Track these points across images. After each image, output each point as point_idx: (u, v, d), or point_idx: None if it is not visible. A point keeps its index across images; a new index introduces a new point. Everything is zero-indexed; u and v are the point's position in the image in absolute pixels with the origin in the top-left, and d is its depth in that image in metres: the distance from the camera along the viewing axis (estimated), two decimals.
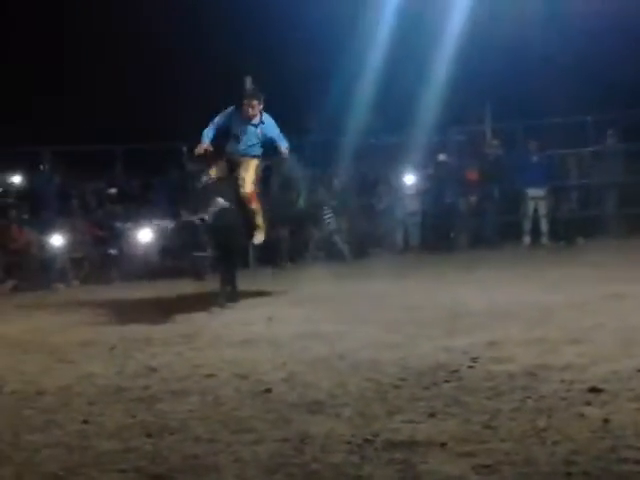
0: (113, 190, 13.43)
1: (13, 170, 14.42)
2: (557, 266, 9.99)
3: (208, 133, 8.03)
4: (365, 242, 13.36)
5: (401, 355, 5.47)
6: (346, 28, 12.91)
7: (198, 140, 8.06)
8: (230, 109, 8.17)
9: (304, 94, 13.30)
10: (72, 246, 11.91)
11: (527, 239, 13.27)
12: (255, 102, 8.03)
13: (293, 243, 13.00)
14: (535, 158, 13.36)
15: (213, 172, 8.11)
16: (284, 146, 8.06)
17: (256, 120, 8.05)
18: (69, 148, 13.07)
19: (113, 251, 12.18)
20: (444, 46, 13.03)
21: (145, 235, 12.40)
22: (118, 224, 12.57)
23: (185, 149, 14.14)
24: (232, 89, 13.65)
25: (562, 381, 4.55)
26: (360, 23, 12.82)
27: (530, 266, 10.25)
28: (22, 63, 16.03)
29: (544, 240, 13.19)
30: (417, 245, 13.57)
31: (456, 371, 4.96)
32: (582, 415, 3.92)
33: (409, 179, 13.53)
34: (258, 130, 8.08)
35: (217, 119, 8.13)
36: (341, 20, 13.11)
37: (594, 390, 4.31)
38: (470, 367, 5.05)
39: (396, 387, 4.69)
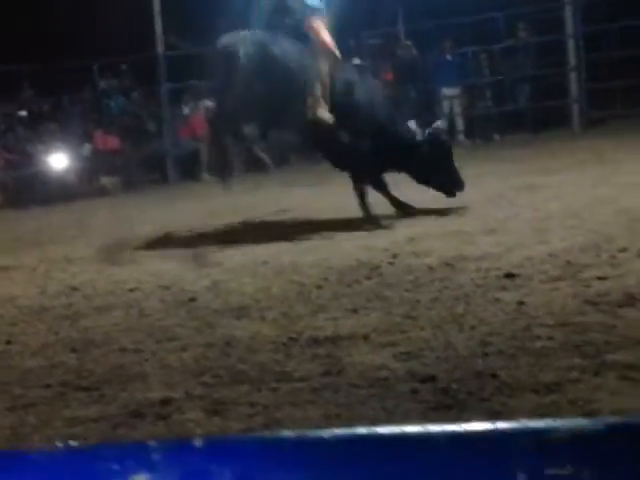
0: (23, 112, 13.03)
1: None
2: (474, 163, 10.12)
3: None
4: (285, 151, 13.32)
5: (323, 257, 5.54)
6: None
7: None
8: None
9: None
10: None
11: None
12: None
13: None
14: (449, 57, 13.39)
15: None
16: None
17: None
18: None
19: (27, 174, 11.90)
20: None
21: (60, 159, 12.12)
22: (30, 147, 12.24)
23: (96, 67, 13.79)
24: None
25: (478, 270, 4.68)
26: None
27: None
28: None
29: (460, 138, 13.34)
30: None
31: (377, 267, 5.05)
32: (497, 300, 4.05)
33: None
34: None
35: None
36: None
37: (509, 276, 4.44)
38: (390, 263, 5.14)
39: (319, 287, 4.75)
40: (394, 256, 5.30)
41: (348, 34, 13.17)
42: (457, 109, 13.39)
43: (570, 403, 2.72)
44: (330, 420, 2.81)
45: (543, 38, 13.45)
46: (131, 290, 5.15)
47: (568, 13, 12.76)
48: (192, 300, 4.74)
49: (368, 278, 4.84)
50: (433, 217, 6.51)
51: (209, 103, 13.34)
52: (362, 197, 6.65)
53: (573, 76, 12.83)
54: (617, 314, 3.58)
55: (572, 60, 12.82)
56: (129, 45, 13.56)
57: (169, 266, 5.84)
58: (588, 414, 2.61)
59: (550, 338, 3.38)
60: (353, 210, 7.33)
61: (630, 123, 12.31)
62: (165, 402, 3.12)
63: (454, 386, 2.98)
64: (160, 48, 13.02)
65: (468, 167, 9.66)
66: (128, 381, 3.42)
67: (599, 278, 4.19)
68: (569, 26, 12.81)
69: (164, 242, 6.87)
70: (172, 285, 5.17)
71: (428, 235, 5.84)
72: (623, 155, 9.01)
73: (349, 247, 5.77)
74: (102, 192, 11.89)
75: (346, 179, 9.93)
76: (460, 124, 13.40)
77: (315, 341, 3.74)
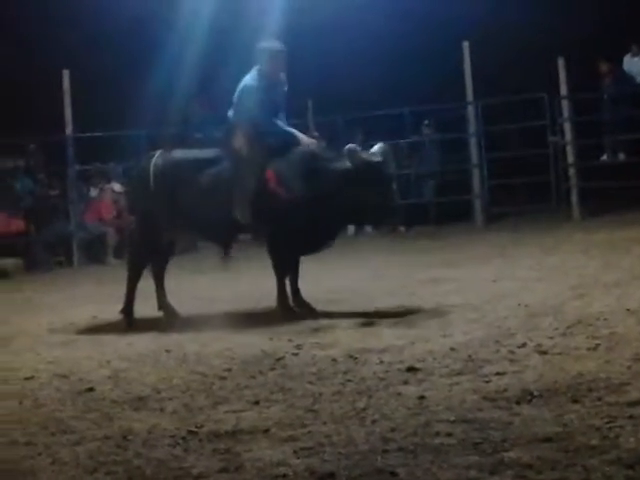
0: None
1: None
2: (380, 254, 10.31)
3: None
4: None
5: (227, 346, 5.50)
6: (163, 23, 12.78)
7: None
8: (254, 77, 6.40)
9: (124, 89, 13.02)
10: None
11: (351, 228, 13.58)
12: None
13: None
14: None
15: None
16: None
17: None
18: None
19: None
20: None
21: None
22: None
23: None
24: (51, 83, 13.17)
25: (381, 362, 4.71)
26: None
27: (355, 255, 10.50)
28: None
29: (368, 229, 13.56)
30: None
31: (281, 358, 5.04)
32: (399, 394, 4.07)
33: None
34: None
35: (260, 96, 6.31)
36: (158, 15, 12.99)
37: (411, 369, 4.48)
38: (294, 354, 5.13)
39: (221, 378, 4.70)
40: (298, 347, 5.30)
41: None
42: None
43: None
44: None
45: (447, 135, 13.93)
46: (26, 379, 4.99)
47: (470, 113, 13.29)
48: (90, 390, 4.62)
49: (272, 369, 4.82)
50: (339, 308, 6.55)
51: (116, 186, 13.28)
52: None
53: (475, 173, 13.28)
54: (514, 411, 3.64)
55: (474, 158, 13.30)
56: (37, 125, 13.43)
57: (68, 354, 5.69)
58: None
59: (449, 434, 3.40)
60: (256, 300, 7.32)
61: (529, 219, 12.79)
62: None
63: None
64: (69, 129, 12.96)
65: (374, 258, 9.85)
66: (17, 477, 3.28)
67: (498, 373, 4.27)
68: (471, 125, 13.33)
69: (64, 328, 6.71)
70: (70, 374, 5.03)
71: (333, 326, 5.87)
72: (522, 250, 9.32)
73: (254, 337, 5.74)
74: (3, 275, 11.58)
75: (249, 268, 9.93)
76: None
77: (215, 435, 3.67)
